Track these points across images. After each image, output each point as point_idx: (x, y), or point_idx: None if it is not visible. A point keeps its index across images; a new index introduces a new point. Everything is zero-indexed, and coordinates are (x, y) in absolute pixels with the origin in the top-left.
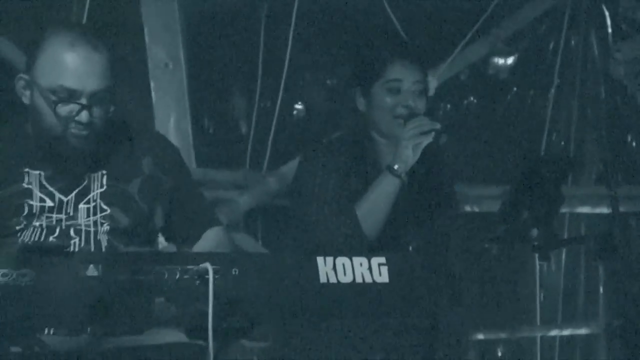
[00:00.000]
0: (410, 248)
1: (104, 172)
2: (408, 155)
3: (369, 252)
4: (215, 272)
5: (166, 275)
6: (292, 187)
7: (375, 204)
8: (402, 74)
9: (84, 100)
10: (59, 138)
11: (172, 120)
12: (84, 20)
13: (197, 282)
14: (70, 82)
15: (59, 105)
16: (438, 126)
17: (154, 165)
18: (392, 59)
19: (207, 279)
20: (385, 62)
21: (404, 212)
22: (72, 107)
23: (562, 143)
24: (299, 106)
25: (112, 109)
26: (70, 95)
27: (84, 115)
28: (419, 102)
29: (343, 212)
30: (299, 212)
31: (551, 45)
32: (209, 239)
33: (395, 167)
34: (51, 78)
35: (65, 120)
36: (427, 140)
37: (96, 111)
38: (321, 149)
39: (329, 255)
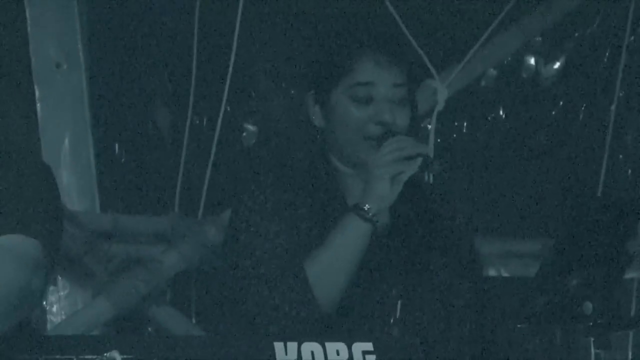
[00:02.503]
0: (396, 329)
1: None
2: (383, 190)
3: (327, 331)
4: None
5: None
6: (225, 242)
7: (333, 260)
8: (374, 75)
9: None
10: None
11: (66, 143)
12: None
13: None
14: None
15: None
16: (425, 149)
17: None
18: (360, 53)
19: None
20: (351, 58)
21: (386, 277)
22: None
23: (628, 178)
24: (249, 126)
25: None
26: None
27: None
28: (399, 115)
29: (287, 272)
30: (232, 276)
31: (611, 42)
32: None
33: (366, 206)
34: None
35: None
36: (411, 169)
37: None
38: (260, 184)
39: (290, 339)
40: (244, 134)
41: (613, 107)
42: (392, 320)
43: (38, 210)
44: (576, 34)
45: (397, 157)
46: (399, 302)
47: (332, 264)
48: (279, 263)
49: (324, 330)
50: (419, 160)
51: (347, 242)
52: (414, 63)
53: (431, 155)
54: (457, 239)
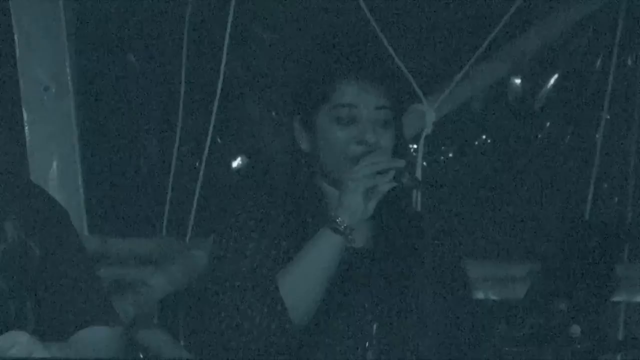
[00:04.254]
0: (370, 353)
1: None
2: (355, 203)
3: (298, 345)
4: None
5: None
6: (209, 261)
7: (305, 272)
8: (357, 98)
9: None
10: None
11: (54, 166)
12: None
13: None
14: None
15: None
16: (401, 163)
17: (20, 229)
18: (342, 75)
19: None
20: (334, 80)
21: (365, 299)
22: None
23: (616, 201)
24: (238, 155)
25: None
26: None
27: None
28: (383, 137)
29: (260, 284)
30: (213, 292)
31: (598, 64)
32: (80, 345)
33: (338, 219)
34: None
35: None
36: (386, 183)
37: None
38: (244, 204)
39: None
40: (234, 162)
41: (600, 134)
42: (367, 344)
43: (98, 287)
44: (562, 59)
45: (370, 170)
46: (375, 325)
47: (303, 276)
48: (253, 277)
49: (295, 344)
50: (392, 173)
51: (318, 254)
52: (399, 86)
53: (418, 175)
54: (442, 263)
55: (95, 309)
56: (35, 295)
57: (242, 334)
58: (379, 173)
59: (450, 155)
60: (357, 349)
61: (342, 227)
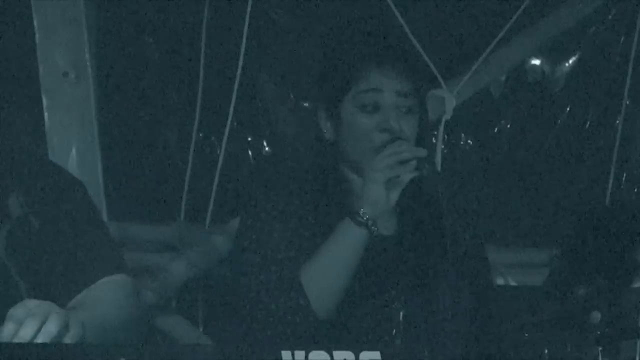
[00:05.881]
0: (399, 339)
1: None
2: (377, 194)
3: (321, 338)
4: None
5: None
6: (232, 249)
7: (327, 265)
8: (380, 83)
9: None
10: None
11: (73, 152)
12: None
13: None
14: None
15: None
16: (423, 153)
17: (24, 205)
18: (366, 62)
19: None
20: (357, 67)
21: (391, 287)
22: None
23: (636, 187)
24: (256, 139)
25: None
26: None
27: None
28: (406, 124)
29: (284, 277)
30: (238, 283)
31: (618, 49)
32: (100, 294)
33: (360, 211)
34: None
35: None
36: (409, 173)
37: None
38: (269, 193)
39: (298, 347)
40: (250, 144)
41: (620, 118)
42: (394, 331)
43: (109, 243)
44: (583, 41)
45: (392, 160)
46: (402, 312)
47: (326, 270)
48: (277, 269)
49: (317, 337)
50: (414, 164)
51: (341, 247)
52: (422, 73)
53: (437, 162)
54: (465, 250)
55: (109, 260)
56: (32, 268)
57: (266, 327)
58: (400, 163)
59: (470, 141)
60: (385, 335)
61: (365, 218)
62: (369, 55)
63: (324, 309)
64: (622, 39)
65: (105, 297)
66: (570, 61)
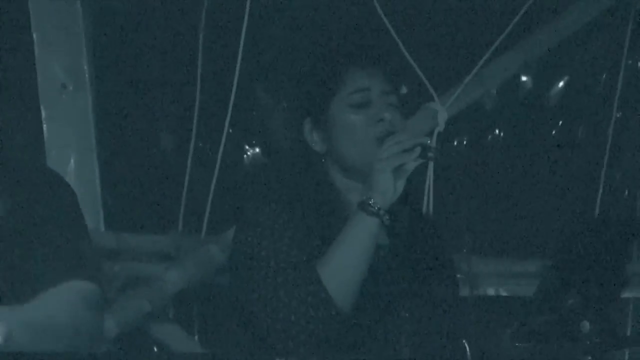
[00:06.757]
0: (406, 351)
1: None
2: (387, 182)
3: (344, 333)
4: None
5: None
6: (231, 258)
7: (344, 257)
8: (368, 82)
9: None
10: None
11: (71, 162)
12: None
13: None
14: None
15: None
16: (426, 140)
17: (8, 206)
18: (349, 65)
19: None
20: (341, 71)
21: (390, 297)
22: None
23: (625, 198)
24: (252, 148)
25: None
26: None
27: None
28: (395, 116)
29: (301, 276)
30: (241, 290)
31: (607, 64)
32: (52, 297)
33: (371, 201)
34: None
35: None
36: (414, 160)
37: None
38: (266, 201)
39: (292, 356)
40: (247, 155)
41: (610, 130)
42: (399, 342)
43: (84, 250)
44: (574, 56)
45: (396, 150)
46: (406, 323)
47: (343, 262)
48: (291, 270)
49: (340, 330)
50: (418, 150)
51: (356, 238)
52: (401, 73)
53: (430, 173)
54: (444, 257)
55: (72, 269)
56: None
57: (291, 328)
58: (404, 151)
59: (463, 150)
60: (391, 340)
61: (376, 208)
62: (355, 57)
63: (344, 301)
64: (612, 54)
65: (58, 300)
66: (562, 78)
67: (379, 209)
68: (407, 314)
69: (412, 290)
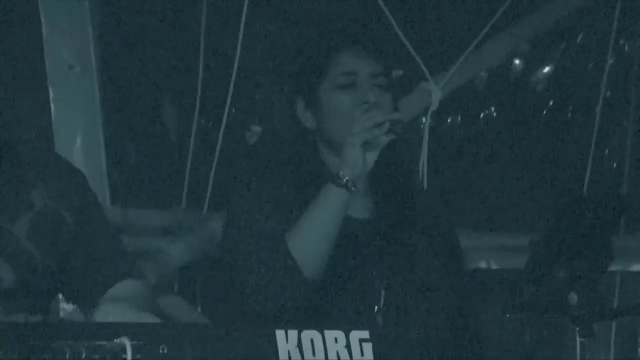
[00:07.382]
0: (380, 318)
1: None
2: (356, 156)
3: (312, 300)
4: (136, 351)
5: (68, 355)
6: (223, 229)
7: (311, 227)
8: (355, 65)
9: None
10: None
11: (78, 141)
12: None
13: None
14: None
15: None
16: (396, 116)
17: (48, 198)
18: (339, 47)
19: None
20: (331, 54)
21: (370, 268)
22: None
23: (612, 178)
24: (253, 127)
25: None
26: None
27: None
28: (382, 99)
29: (271, 245)
30: (229, 259)
31: (596, 47)
32: (120, 296)
33: (340, 174)
34: None
35: None
36: (384, 135)
37: None
38: (255, 176)
39: (291, 327)
40: (248, 133)
41: (599, 109)
42: (376, 309)
43: (121, 245)
44: (565, 39)
45: (368, 125)
46: (383, 292)
47: (310, 231)
48: (265, 240)
49: (310, 298)
50: (387, 125)
51: (323, 208)
52: (391, 55)
53: (424, 151)
54: (439, 231)
55: (125, 267)
56: (67, 260)
57: (259, 293)
58: (375, 127)
59: (457, 128)
60: (367, 314)
61: (345, 180)
62: (343, 40)
63: (312, 269)
64: (601, 37)
65: (121, 302)
66: (553, 60)
67: (348, 181)
68: (382, 286)
69: (393, 264)
